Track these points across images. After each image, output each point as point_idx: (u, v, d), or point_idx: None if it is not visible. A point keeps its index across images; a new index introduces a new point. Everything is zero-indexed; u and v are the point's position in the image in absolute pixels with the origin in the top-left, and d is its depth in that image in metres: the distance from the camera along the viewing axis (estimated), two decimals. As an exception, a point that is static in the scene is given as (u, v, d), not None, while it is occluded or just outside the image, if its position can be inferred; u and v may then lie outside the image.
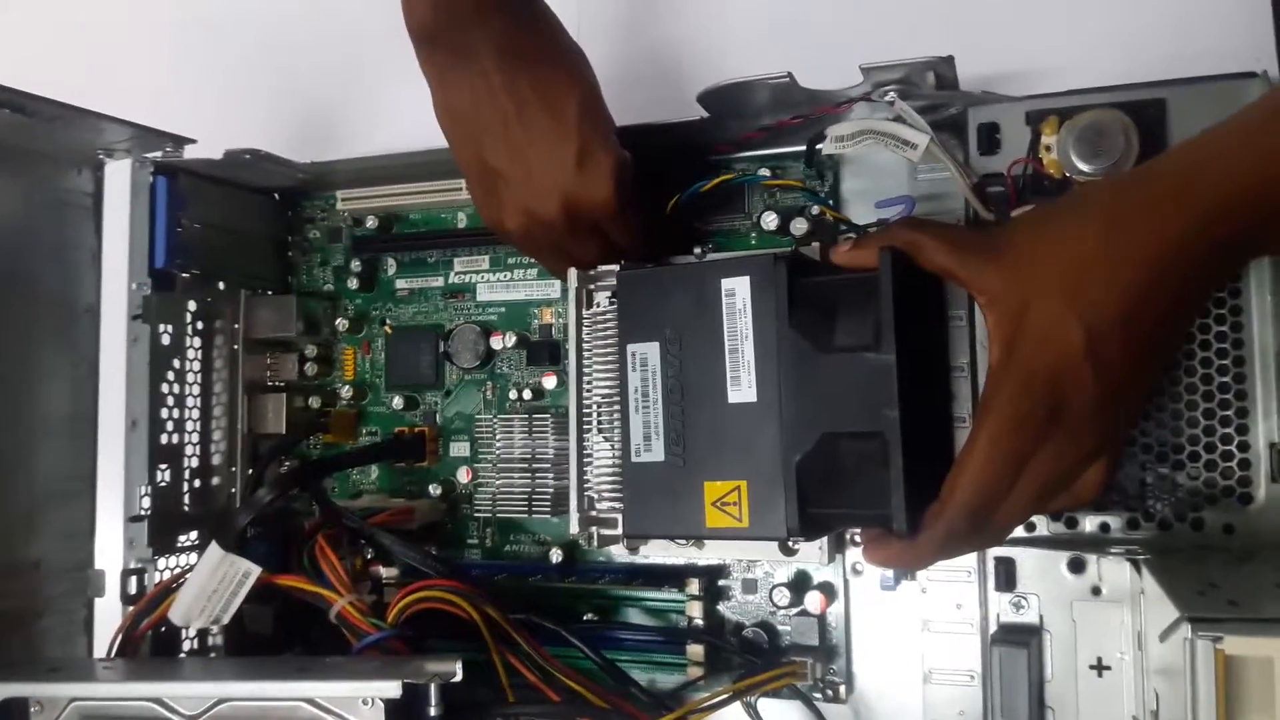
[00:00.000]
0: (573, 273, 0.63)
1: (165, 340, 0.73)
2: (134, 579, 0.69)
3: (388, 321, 0.79)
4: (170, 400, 0.73)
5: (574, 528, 0.61)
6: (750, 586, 0.67)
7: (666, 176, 0.68)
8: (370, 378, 0.79)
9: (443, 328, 0.77)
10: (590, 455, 0.62)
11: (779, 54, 0.63)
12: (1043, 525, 0.59)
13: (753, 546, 0.62)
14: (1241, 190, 0.48)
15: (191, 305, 0.75)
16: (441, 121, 0.63)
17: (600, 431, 0.62)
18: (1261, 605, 0.41)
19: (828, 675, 0.65)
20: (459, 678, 0.54)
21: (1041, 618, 0.58)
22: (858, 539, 0.64)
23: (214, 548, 0.63)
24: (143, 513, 0.70)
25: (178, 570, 0.72)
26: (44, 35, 1.03)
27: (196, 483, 0.75)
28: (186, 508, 0.74)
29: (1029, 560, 0.59)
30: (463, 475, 0.75)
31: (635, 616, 0.68)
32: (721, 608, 0.68)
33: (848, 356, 0.54)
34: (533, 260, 0.72)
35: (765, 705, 0.63)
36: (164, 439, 0.72)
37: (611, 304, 0.62)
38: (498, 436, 0.73)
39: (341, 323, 0.79)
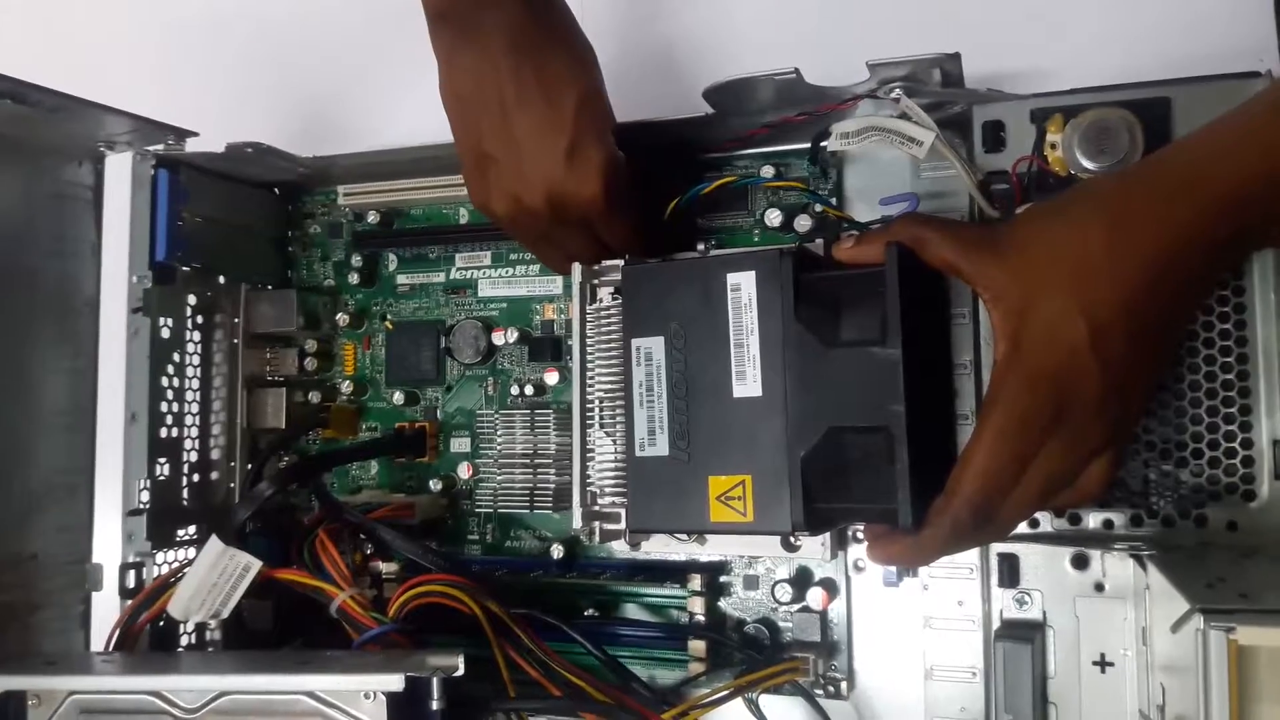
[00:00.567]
0: (577, 267, 0.63)
1: (165, 334, 0.73)
2: (132, 573, 0.69)
3: (388, 317, 0.79)
4: (170, 394, 0.73)
5: (577, 522, 0.61)
6: (752, 583, 0.67)
7: (666, 176, 0.68)
8: (371, 373, 0.79)
9: (444, 323, 0.77)
10: (593, 451, 0.62)
11: (784, 51, 0.63)
12: (1046, 521, 0.59)
13: (755, 542, 0.62)
14: (1244, 183, 0.48)
15: (192, 299, 0.75)
16: (446, 102, 0.63)
17: (603, 427, 0.61)
18: (1272, 598, 0.41)
19: (829, 671, 0.65)
20: (461, 671, 0.54)
21: (1045, 614, 0.58)
22: (860, 536, 0.64)
23: (214, 541, 0.63)
24: (141, 506, 0.70)
25: (176, 565, 0.71)
26: (45, 28, 1.02)
27: (195, 477, 0.75)
28: (185, 502, 0.74)
29: (1032, 556, 0.59)
30: (464, 471, 0.75)
31: (636, 612, 0.68)
32: (723, 604, 0.68)
33: (853, 351, 0.54)
34: (534, 256, 0.72)
35: (767, 701, 0.63)
36: (163, 433, 0.72)
37: (615, 299, 0.62)
38: (499, 432, 0.72)
39: (342, 318, 0.79)
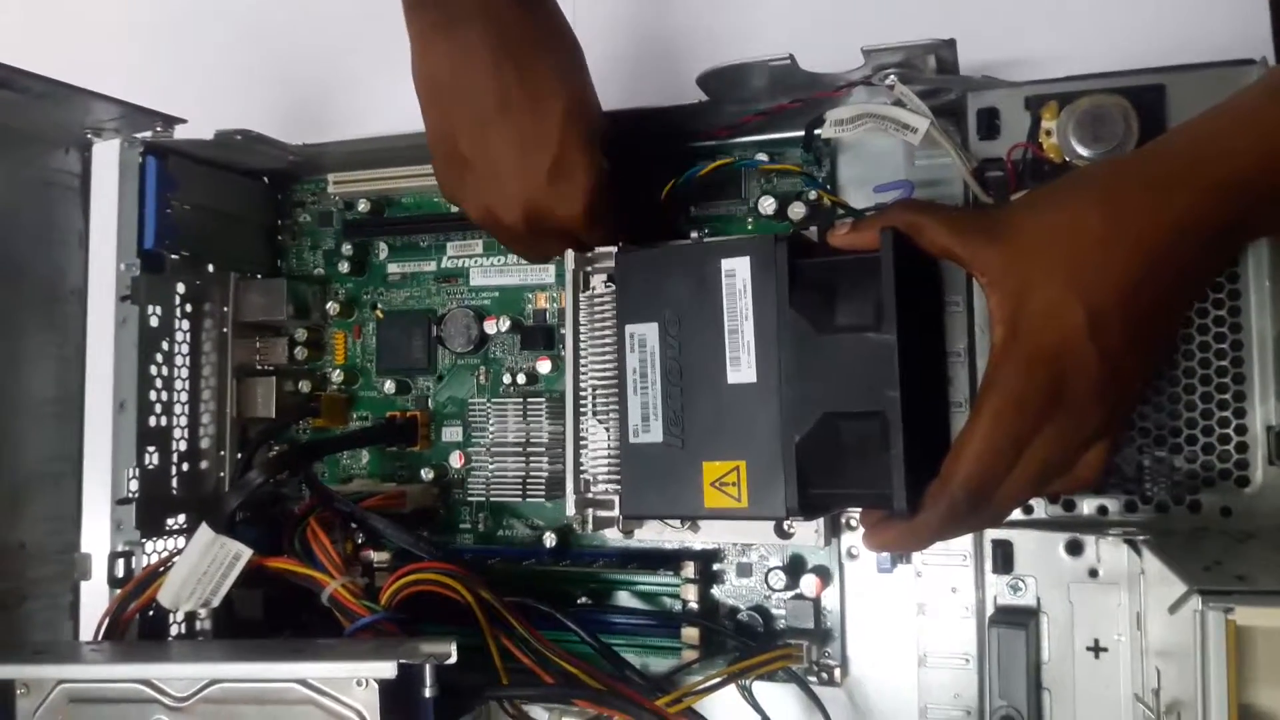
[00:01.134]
0: (569, 254, 0.63)
1: (154, 322, 0.72)
2: (121, 562, 0.69)
3: (379, 306, 0.78)
4: (159, 382, 0.72)
5: (570, 509, 0.61)
6: (745, 570, 0.67)
7: (656, 166, 0.68)
8: (361, 362, 0.78)
9: (435, 312, 0.76)
10: (586, 439, 0.61)
11: (778, 37, 0.63)
12: (1040, 508, 0.59)
13: (749, 528, 0.62)
14: (1241, 170, 0.48)
15: (180, 287, 0.74)
16: (417, 85, 0.61)
17: (596, 415, 0.61)
18: (1269, 580, 0.41)
19: (823, 658, 0.65)
20: (454, 659, 0.53)
21: (1039, 600, 0.58)
22: (854, 523, 0.64)
23: (204, 529, 0.62)
24: (130, 495, 0.69)
25: (166, 554, 0.71)
26: (32, 13, 1.01)
27: (185, 466, 0.74)
28: (175, 491, 0.73)
29: (1026, 542, 0.59)
30: (455, 460, 0.75)
31: (629, 600, 0.68)
32: (716, 591, 0.68)
33: (848, 337, 0.54)
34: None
35: (760, 688, 0.63)
36: (152, 421, 0.72)
37: (608, 287, 0.62)
38: (491, 421, 0.72)
39: (332, 307, 0.78)
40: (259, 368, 0.79)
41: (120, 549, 0.69)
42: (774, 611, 0.67)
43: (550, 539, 0.71)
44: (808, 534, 0.61)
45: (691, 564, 0.66)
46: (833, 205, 0.65)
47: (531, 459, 0.70)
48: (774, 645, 0.64)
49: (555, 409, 0.69)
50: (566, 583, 0.69)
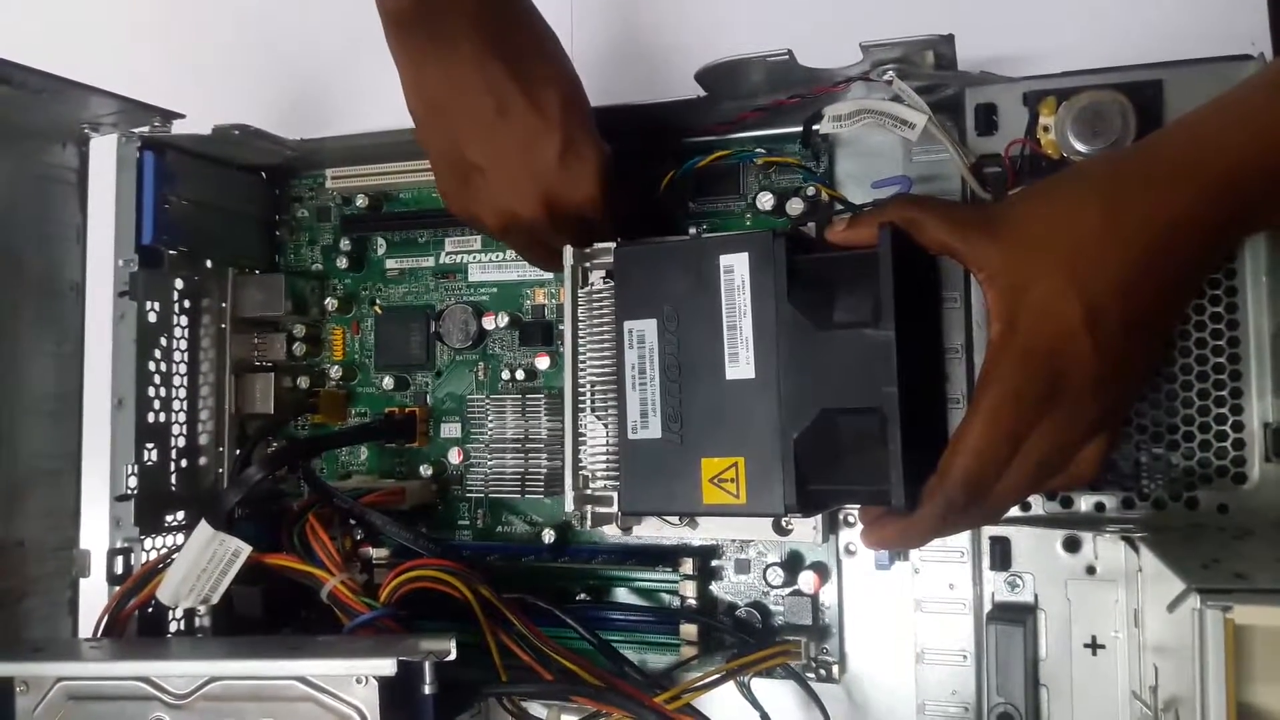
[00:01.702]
0: (568, 250, 0.63)
1: (152, 318, 0.72)
2: (120, 559, 0.69)
3: (377, 301, 0.78)
4: (157, 379, 0.72)
5: (569, 506, 0.61)
6: (743, 566, 0.67)
7: (655, 162, 0.67)
8: (360, 358, 0.78)
9: (433, 308, 0.76)
10: (584, 435, 0.61)
11: (776, 33, 0.63)
12: (1038, 505, 0.59)
13: (747, 525, 0.62)
14: (1239, 163, 0.48)
15: (179, 283, 0.74)
16: (414, 109, 0.61)
17: (594, 411, 0.61)
18: (1267, 578, 0.41)
19: (821, 655, 0.65)
20: (453, 655, 0.53)
21: (1036, 596, 0.59)
22: (852, 519, 0.64)
23: (203, 525, 0.62)
24: (129, 492, 0.69)
25: (164, 550, 0.71)
26: (29, 8, 1.01)
27: (184, 462, 0.74)
28: (173, 487, 0.73)
29: (1024, 539, 0.59)
30: (454, 456, 0.75)
31: (628, 597, 0.68)
32: (714, 588, 0.68)
33: (846, 333, 0.54)
34: (524, 259, 0.71)
35: (758, 685, 0.63)
36: (151, 418, 0.72)
37: (606, 283, 0.61)
38: (490, 417, 0.72)
39: (330, 302, 0.78)
40: (257, 363, 0.79)
41: (119, 546, 0.69)
42: (772, 608, 0.67)
43: (549, 535, 0.71)
44: (806, 530, 0.61)
45: (690, 560, 0.66)
46: (831, 200, 0.64)
47: (530, 455, 0.70)
48: (772, 642, 0.64)
49: (554, 405, 0.69)
50: (565, 579, 0.69)
